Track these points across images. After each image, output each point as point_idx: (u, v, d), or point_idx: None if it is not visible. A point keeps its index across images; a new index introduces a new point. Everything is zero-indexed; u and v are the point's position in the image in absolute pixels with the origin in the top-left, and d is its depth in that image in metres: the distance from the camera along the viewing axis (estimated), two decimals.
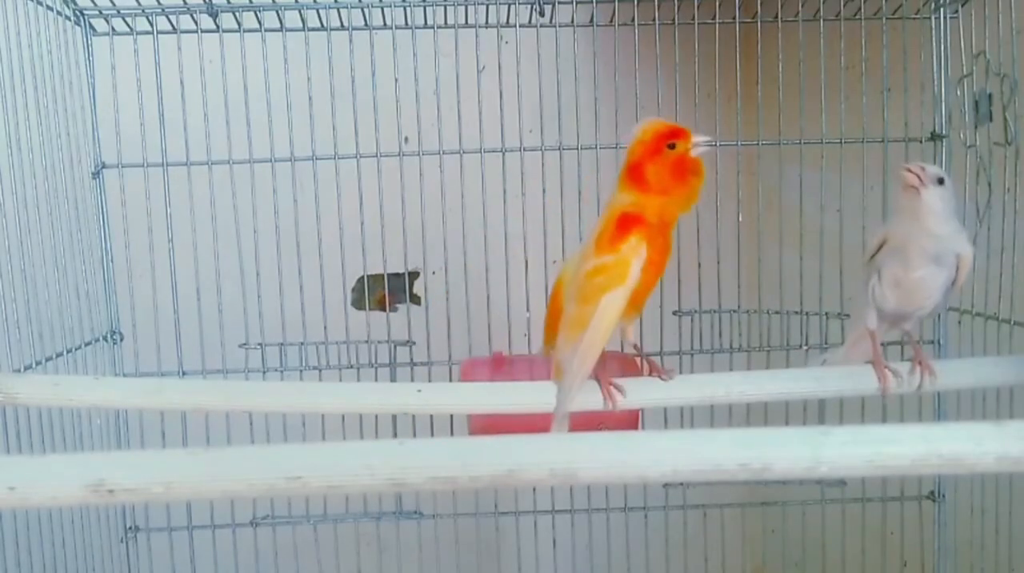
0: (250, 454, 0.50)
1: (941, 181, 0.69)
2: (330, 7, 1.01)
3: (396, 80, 1.02)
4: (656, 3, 1.02)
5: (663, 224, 0.66)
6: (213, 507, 1.09)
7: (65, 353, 0.96)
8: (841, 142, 1.04)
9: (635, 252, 0.64)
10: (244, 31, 1.01)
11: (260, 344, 1.06)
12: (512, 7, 1.02)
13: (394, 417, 0.97)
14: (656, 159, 0.66)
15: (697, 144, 0.66)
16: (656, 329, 1.06)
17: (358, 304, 1.32)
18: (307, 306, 1.04)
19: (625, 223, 0.65)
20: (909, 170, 0.69)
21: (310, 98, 1.01)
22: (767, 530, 1.32)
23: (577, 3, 1.02)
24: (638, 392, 0.72)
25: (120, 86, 1.01)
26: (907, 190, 0.70)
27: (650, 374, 0.73)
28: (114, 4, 1.01)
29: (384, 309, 1.11)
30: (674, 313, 1.08)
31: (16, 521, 0.91)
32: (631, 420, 0.88)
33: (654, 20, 1.03)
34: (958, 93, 0.97)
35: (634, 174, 0.66)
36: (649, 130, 0.67)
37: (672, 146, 0.66)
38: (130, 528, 1.09)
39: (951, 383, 0.76)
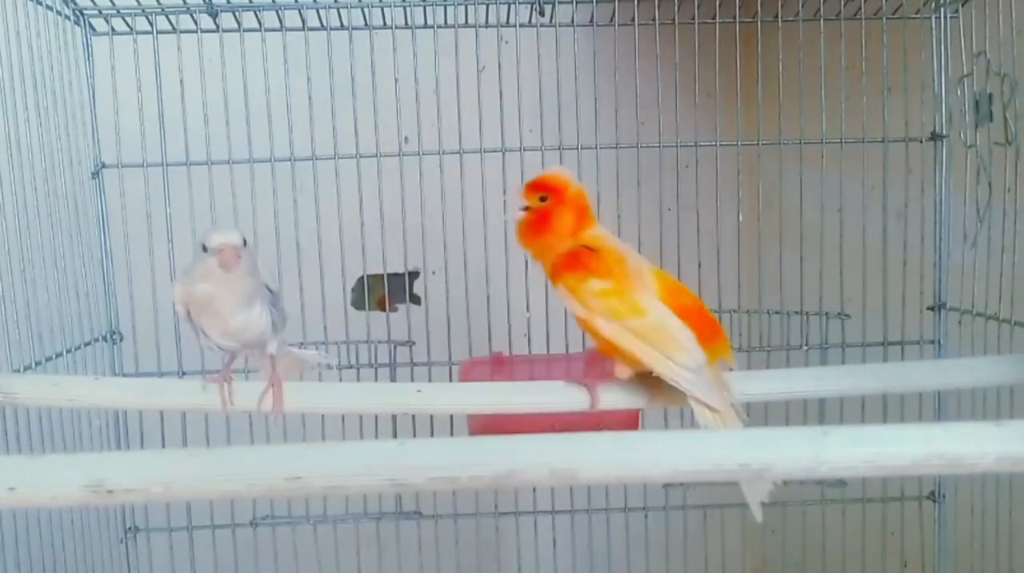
0: (250, 454, 0.49)
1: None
2: (330, 7, 1.01)
3: (396, 80, 1.02)
4: (656, 3, 1.02)
5: None
6: (213, 507, 1.09)
7: (65, 353, 0.96)
8: (841, 142, 1.04)
9: None
10: (244, 31, 1.01)
11: None
12: (512, 7, 1.02)
13: (394, 417, 0.97)
14: None
15: None
16: None
17: (358, 304, 1.32)
18: (307, 306, 1.04)
19: None
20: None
21: (310, 98, 1.01)
22: (767, 530, 1.32)
23: (577, 3, 1.02)
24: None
25: (120, 86, 1.01)
26: None
27: None
28: (114, 4, 1.00)
29: (384, 309, 1.11)
30: None
31: (16, 521, 0.91)
32: (631, 420, 0.88)
33: (654, 20, 1.03)
34: (958, 93, 0.97)
35: None
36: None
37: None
38: (130, 528, 1.09)
39: (951, 383, 0.76)
